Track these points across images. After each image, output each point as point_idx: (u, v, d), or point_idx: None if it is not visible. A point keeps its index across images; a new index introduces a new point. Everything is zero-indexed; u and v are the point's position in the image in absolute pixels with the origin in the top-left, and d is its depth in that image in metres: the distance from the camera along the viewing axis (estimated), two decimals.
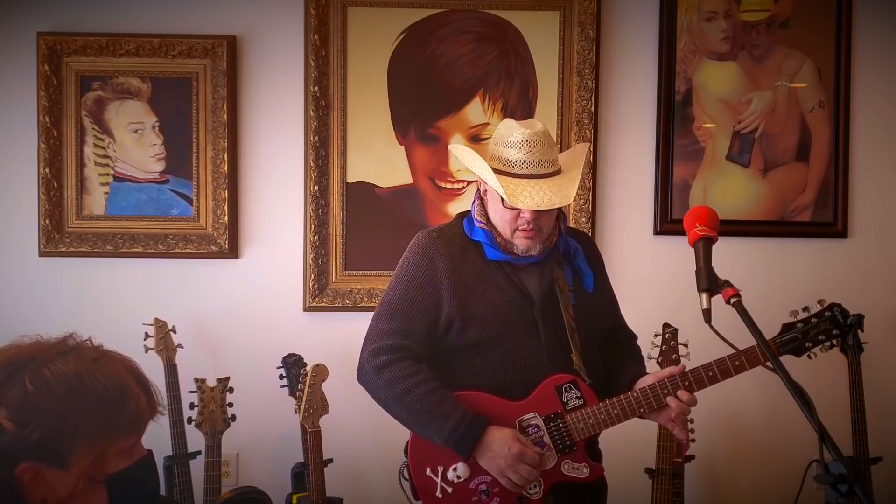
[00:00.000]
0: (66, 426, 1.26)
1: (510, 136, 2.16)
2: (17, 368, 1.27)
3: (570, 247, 2.28)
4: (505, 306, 2.19)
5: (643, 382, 2.18)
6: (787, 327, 2.15)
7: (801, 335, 2.13)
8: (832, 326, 2.14)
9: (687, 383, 2.13)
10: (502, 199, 2.12)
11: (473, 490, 2.16)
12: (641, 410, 2.15)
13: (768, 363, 1.68)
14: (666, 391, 2.13)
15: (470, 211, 2.29)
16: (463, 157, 2.28)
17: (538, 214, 2.14)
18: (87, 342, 1.38)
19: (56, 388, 1.26)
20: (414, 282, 2.21)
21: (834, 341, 2.18)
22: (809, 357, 2.16)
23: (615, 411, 2.15)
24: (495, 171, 2.15)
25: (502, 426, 2.14)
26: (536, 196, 2.11)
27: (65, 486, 1.27)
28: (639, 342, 2.43)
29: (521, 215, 2.14)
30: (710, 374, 2.13)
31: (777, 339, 2.13)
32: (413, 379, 2.14)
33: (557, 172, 2.18)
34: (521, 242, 2.18)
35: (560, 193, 2.12)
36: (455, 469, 2.15)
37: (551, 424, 2.16)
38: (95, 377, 1.30)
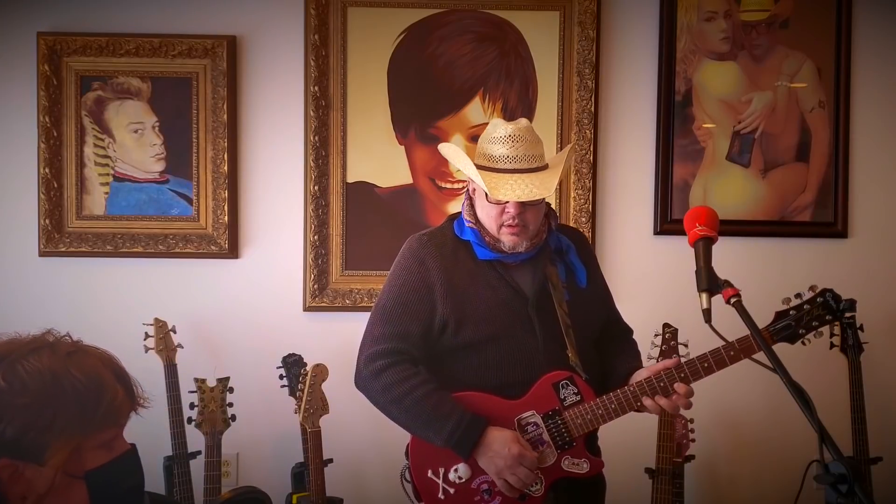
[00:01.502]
0: (41, 422, 1.26)
1: (494, 132, 2.19)
2: None
3: (562, 243, 2.29)
4: (498, 305, 2.20)
5: (639, 376, 2.18)
6: (780, 315, 2.14)
7: (795, 322, 2.12)
8: (825, 312, 2.13)
9: (683, 375, 2.13)
10: (486, 193, 2.14)
11: (475, 490, 2.16)
12: (638, 404, 2.15)
13: (765, 360, 1.67)
14: (662, 384, 2.14)
15: (460, 213, 2.30)
16: (448, 155, 2.33)
17: (523, 209, 2.15)
18: (66, 337, 1.37)
19: (30, 383, 1.27)
20: (407, 285, 2.22)
21: (827, 326, 2.17)
22: (803, 343, 2.15)
23: (612, 406, 2.15)
24: (480, 167, 2.17)
25: (502, 426, 2.14)
26: (518, 188, 2.12)
27: (43, 482, 1.27)
28: (639, 342, 2.43)
29: (506, 210, 2.16)
30: (706, 364, 2.13)
31: (770, 327, 2.13)
32: (411, 382, 2.14)
33: (543, 168, 2.19)
34: (507, 239, 2.19)
35: (542, 186, 2.13)
36: (456, 470, 2.15)
37: (550, 422, 2.16)
38: (70, 372, 1.30)
